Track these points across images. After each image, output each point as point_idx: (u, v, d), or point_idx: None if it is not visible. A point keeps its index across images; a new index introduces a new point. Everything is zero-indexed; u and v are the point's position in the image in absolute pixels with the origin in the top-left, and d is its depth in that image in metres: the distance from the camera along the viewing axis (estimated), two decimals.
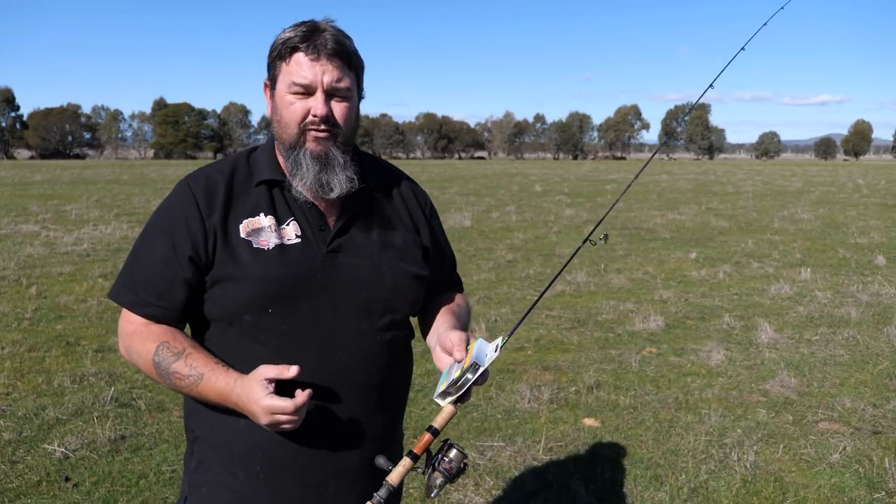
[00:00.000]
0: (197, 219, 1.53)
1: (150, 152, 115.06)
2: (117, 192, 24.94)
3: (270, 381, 1.41)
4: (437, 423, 1.48)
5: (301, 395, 1.39)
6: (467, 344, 1.53)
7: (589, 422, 4.51)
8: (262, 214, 1.55)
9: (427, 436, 1.48)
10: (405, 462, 1.47)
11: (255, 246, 1.52)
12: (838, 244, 12.58)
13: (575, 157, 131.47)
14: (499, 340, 1.52)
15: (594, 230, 1.94)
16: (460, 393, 1.46)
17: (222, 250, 1.52)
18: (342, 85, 1.52)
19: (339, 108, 1.53)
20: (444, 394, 1.48)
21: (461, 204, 20.26)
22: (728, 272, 9.66)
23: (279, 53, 1.52)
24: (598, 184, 33.49)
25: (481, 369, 1.46)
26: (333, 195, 1.55)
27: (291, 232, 1.55)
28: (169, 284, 1.52)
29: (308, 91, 1.50)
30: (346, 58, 1.53)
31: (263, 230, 1.53)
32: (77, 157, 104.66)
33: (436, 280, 1.76)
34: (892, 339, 6.33)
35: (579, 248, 1.95)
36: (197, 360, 1.48)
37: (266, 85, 1.60)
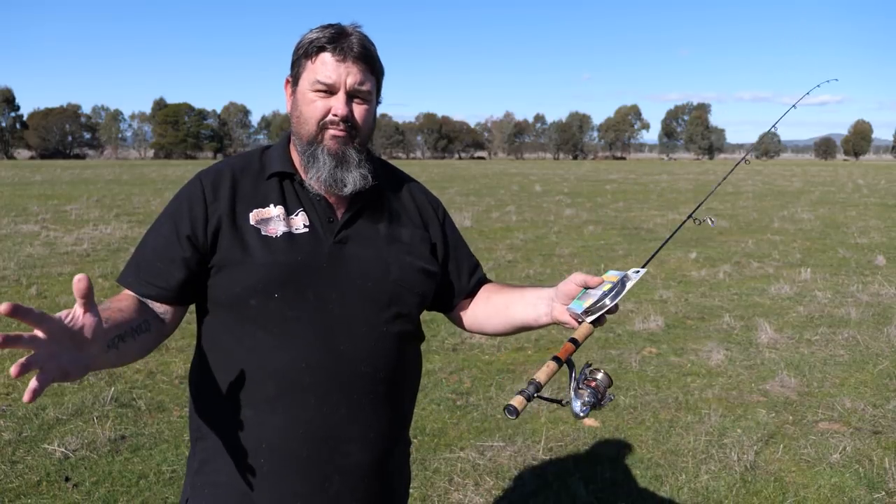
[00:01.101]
0: (200, 203, 1.56)
1: (150, 152, 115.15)
2: (117, 192, 24.94)
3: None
4: (578, 335, 1.50)
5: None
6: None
7: (589, 422, 4.51)
8: (271, 205, 1.58)
9: (569, 344, 1.49)
10: (550, 364, 1.46)
11: (263, 233, 1.55)
12: (838, 244, 12.58)
13: (575, 157, 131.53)
14: (639, 269, 1.56)
15: (697, 208, 1.96)
16: (603, 311, 1.49)
17: (229, 236, 1.54)
18: (364, 88, 1.55)
19: (358, 110, 1.57)
20: (587, 311, 1.51)
21: (461, 204, 20.26)
22: (728, 272, 9.67)
23: (305, 52, 1.56)
24: (598, 184, 33.50)
25: (630, 283, 1.50)
26: (347, 192, 1.58)
27: (300, 222, 1.58)
28: (168, 264, 1.54)
29: (331, 90, 1.54)
30: (370, 62, 1.57)
31: (272, 219, 1.56)
32: (77, 157, 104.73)
33: (470, 279, 1.80)
34: (892, 339, 6.33)
35: (682, 224, 1.99)
36: (109, 312, 1.35)
37: (288, 81, 1.63)
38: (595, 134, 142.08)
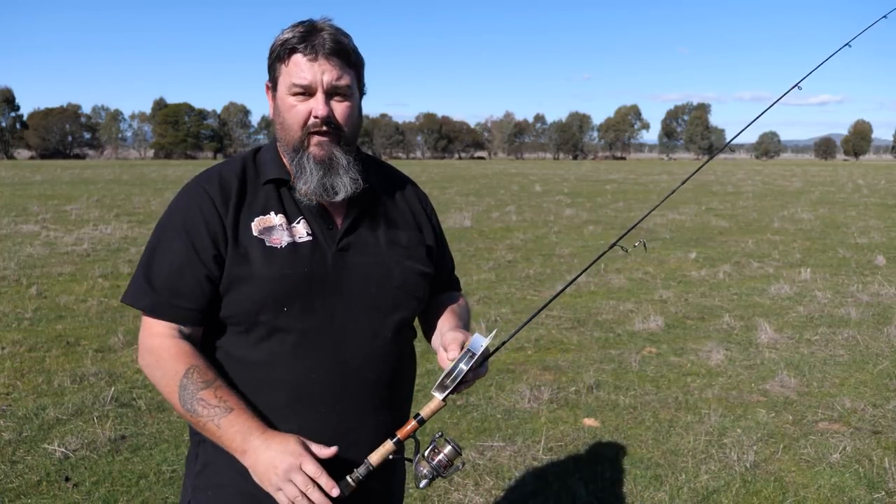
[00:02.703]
0: (216, 217, 1.52)
1: (150, 152, 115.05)
2: (117, 192, 24.94)
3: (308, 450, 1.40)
4: (424, 412, 1.49)
5: (330, 485, 1.37)
6: (464, 341, 1.54)
7: (589, 422, 4.51)
8: (272, 213, 1.55)
9: (412, 423, 1.49)
10: (387, 444, 1.48)
11: (267, 244, 1.52)
12: (838, 244, 12.58)
13: (575, 157, 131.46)
14: (494, 332, 1.56)
15: (625, 234, 1.88)
16: (455, 384, 1.47)
17: (233, 250, 1.52)
18: (342, 83, 1.52)
19: (340, 108, 1.54)
20: (440, 386, 1.49)
21: (461, 204, 20.26)
22: (728, 272, 9.66)
23: (278, 55, 1.53)
24: (598, 184, 33.50)
25: (475, 358, 1.46)
26: (338, 198, 1.55)
27: (302, 230, 1.56)
28: (190, 284, 1.50)
29: (308, 92, 1.51)
30: (345, 56, 1.53)
31: (275, 228, 1.54)
32: (77, 157, 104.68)
33: (437, 280, 1.78)
34: (892, 339, 6.33)
35: (601, 255, 1.87)
36: (225, 394, 1.47)
37: (268, 87, 1.60)
38: (595, 134, 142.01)
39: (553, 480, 3.74)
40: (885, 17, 2.26)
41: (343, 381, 1.54)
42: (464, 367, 1.45)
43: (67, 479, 3.62)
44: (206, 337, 1.59)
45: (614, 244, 1.85)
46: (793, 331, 6.66)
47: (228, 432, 1.43)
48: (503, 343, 1.61)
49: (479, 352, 1.47)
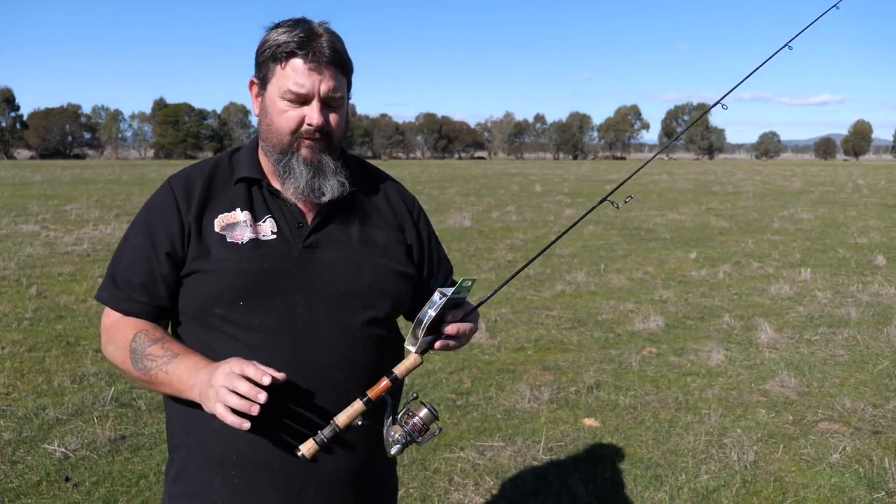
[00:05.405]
0: (175, 215, 1.54)
1: (151, 152, 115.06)
2: (117, 192, 24.94)
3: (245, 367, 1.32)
4: (398, 369, 1.45)
5: (276, 374, 1.31)
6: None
7: (589, 422, 4.51)
8: (238, 210, 1.55)
9: (385, 381, 1.45)
10: (356, 404, 1.43)
11: (228, 240, 1.52)
12: (838, 244, 12.58)
13: (575, 157, 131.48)
14: (475, 279, 1.47)
15: (614, 190, 1.94)
16: (424, 330, 1.41)
17: (195, 245, 1.52)
18: (338, 95, 1.52)
19: (332, 118, 1.53)
20: (412, 336, 1.43)
21: (461, 204, 20.25)
22: (728, 272, 9.66)
23: (274, 55, 1.49)
24: (598, 184, 33.49)
25: (444, 298, 1.41)
26: (325, 199, 1.55)
27: (267, 228, 1.55)
28: (145, 279, 1.52)
29: (303, 100, 1.49)
30: (342, 65, 1.53)
31: (238, 225, 1.53)
32: (77, 157, 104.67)
33: (428, 283, 1.74)
34: (892, 339, 6.33)
35: (594, 207, 1.92)
36: (173, 345, 1.48)
37: (252, 83, 1.57)
38: (595, 134, 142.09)
39: (553, 480, 3.74)
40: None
41: (305, 379, 1.50)
42: (431, 312, 1.40)
43: (67, 479, 3.62)
44: (173, 333, 1.61)
45: (604, 200, 1.94)
46: (793, 331, 6.66)
47: (176, 372, 1.42)
48: (488, 296, 1.58)
49: (449, 294, 1.40)
